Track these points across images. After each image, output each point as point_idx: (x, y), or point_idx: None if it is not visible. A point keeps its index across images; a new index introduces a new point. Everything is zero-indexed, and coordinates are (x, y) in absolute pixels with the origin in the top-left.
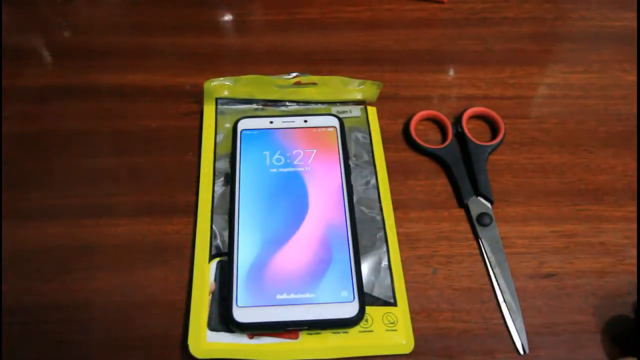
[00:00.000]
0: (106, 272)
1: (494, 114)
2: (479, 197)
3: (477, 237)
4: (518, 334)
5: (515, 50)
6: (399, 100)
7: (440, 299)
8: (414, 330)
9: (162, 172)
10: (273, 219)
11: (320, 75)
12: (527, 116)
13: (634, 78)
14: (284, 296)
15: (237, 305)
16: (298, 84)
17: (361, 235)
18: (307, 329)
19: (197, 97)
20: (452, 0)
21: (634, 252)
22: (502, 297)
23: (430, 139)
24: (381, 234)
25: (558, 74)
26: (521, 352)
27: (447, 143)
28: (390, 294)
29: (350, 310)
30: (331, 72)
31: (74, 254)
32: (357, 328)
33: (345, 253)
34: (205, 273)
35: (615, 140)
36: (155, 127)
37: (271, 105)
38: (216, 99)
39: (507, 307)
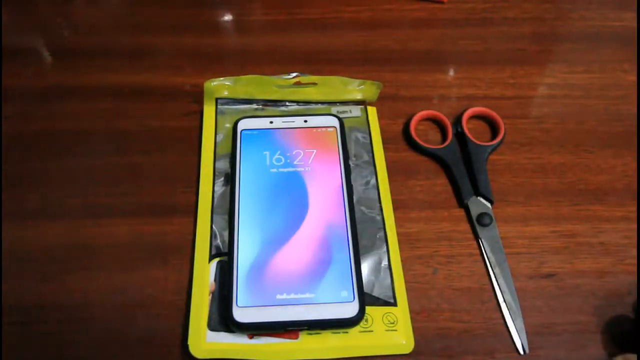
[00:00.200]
0: (106, 272)
1: (494, 114)
2: (479, 197)
3: (477, 237)
4: (518, 334)
5: (515, 50)
6: (399, 100)
7: (440, 299)
8: (414, 330)
9: (162, 172)
10: (273, 219)
11: (320, 75)
12: (527, 116)
13: (634, 78)
14: (284, 296)
15: (237, 305)
16: (298, 84)
17: (361, 235)
18: (307, 329)
19: (197, 97)
20: (452, 0)
21: (634, 252)
22: (502, 297)
23: (430, 139)
24: (381, 234)
25: (558, 74)
26: (521, 352)
27: (447, 143)
28: (390, 294)
29: (350, 310)
30: (331, 72)
31: (74, 254)
32: (357, 328)
33: (345, 253)
34: (205, 273)
35: (615, 140)
36: (155, 127)
37: (271, 105)
38: (216, 99)
39: (507, 307)
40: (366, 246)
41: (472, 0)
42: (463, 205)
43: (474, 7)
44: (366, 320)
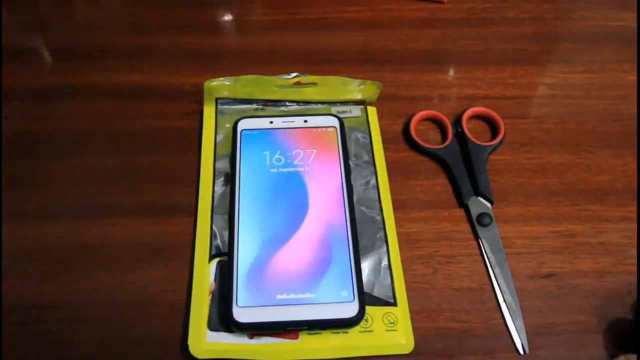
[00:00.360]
0: (106, 272)
1: (494, 114)
2: (479, 197)
3: (477, 237)
4: (518, 334)
5: (515, 50)
6: (399, 100)
7: (440, 299)
8: (414, 330)
9: (162, 172)
10: (273, 219)
11: (320, 75)
12: (527, 116)
13: (634, 78)
14: (284, 296)
15: (237, 305)
16: (298, 84)
17: (361, 235)
18: (307, 329)
19: (197, 97)
20: (452, 0)
21: (634, 252)
22: (502, 297)
23: (430, 139)
24: (381, 234)
25: (558, 74)
26: (521, 352)
27: (447, 143)
28: (390, 294)
29: (350, 310)
30: (331, 72)
31: (74, 254)
32: (357, 328)
33: (345, 253)
34: (205, 273)
35: (615, 140)
36: (155, 127)
37: (271, 105)
38: (216, 99)
39: (507, 307)
40: (366, 246)
41: (472, 0)
42: (463, 205)
43: (474, 7)
44: (366, 320)
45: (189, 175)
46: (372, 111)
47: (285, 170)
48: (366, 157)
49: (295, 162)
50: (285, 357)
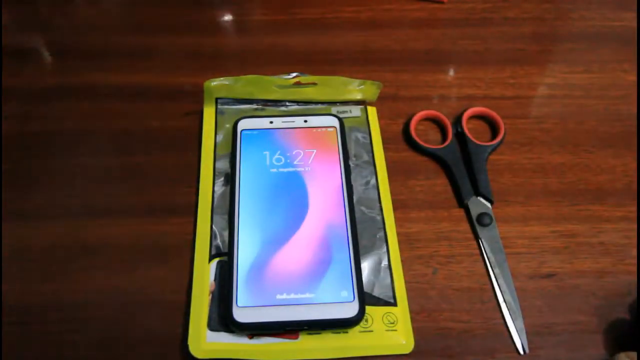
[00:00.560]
0: (106, 272)
1: (494, 114)
2: (479, 197)
3: (477, 237)
4: (518, 334)
5: (515, 50)
6: (399, 100)
7: (440, 299)
8: (414, 330)
9: (162, 172)
10: (273, 219)
11: (320, 75)
12: (527, 116)
13: (634, 78)
14: (284, 296)
15: (237, 305)
16: (298, 84)
17: (361, 235)
18: (307, 329)
19: (197, 97)
20: (452, 0)
21: (634, 252)
22: (502, 297)
23: (430, 139)
24: (381, 234)
25: (558, 74)
26: (521, 352)
27: (447, 143)
28: (390, 294)
29: (350, 310)
30: (331, 72)
31: (74, 254)
32: (357, 328)
33: (345, 253)
34: (205, 273)
35: (615, 140)
36: (155, 127)
37: (271, 105)
38: (216, 99)
39: (507, 307)
40: (366, 246)
41: (472, 0)
42: (463, 205)
43: (474, 7)
44: (366, 320)
45: (189, 175)
46: (372, 111)
47: (285, 170)
48: (366, 157)
49: (295, 162)
50: (285, 357)
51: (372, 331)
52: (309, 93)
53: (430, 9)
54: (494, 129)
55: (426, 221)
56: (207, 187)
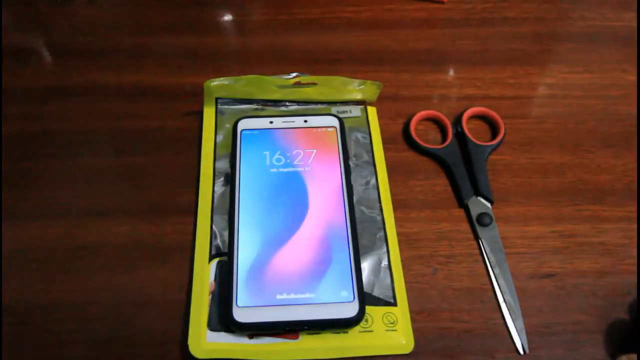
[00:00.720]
0: (106, 272)
1: (494, 114)
2: (479, 197)
3: (477, 237)
4: (518, 334)
5: (515, 50)
6: (399, 100)
7: (440, 299)
8: (414, 330)
9: (162, 172)
10: (273, 219)
11: (320, 75)
12: (527, 116)
13: (634, 78)
14: (284, 296)
15: (237, 305)
16: (298, 84)
17: (361, 235)
18: (307, 329)
19: (197, 97)
20: (452, 0)
21: (634, 252)
22: (502, 297)
23: (430, 139)
24: (381, 234)
25: (558, 74)
26: (521, 352)
27: (447, 143)
28: (390, 294)
29: (350, 310)
30: (331, 72)
31: (74, 254)
32: (357, 328)
33: (345, 253)
34: (205, 273)
35: (615, 140)
36: (155, 127)
37: (271, 105)
38: (216, 99)
39: (507, 307)
40: (366, 246)
41: (472, 0)
42: (463, 205)
43: (474, 7)
44: (366, 320)
45: (189, 175)
46: (372, 111)
47: (285, 170)
48: (366, 157)
49: (295, 162)
50: (285, 357)
51: (372, 331)
52: (309, 93)
53: (430, 9)
54: (494, 129)
55: (426, 221)
56: (207, 187)
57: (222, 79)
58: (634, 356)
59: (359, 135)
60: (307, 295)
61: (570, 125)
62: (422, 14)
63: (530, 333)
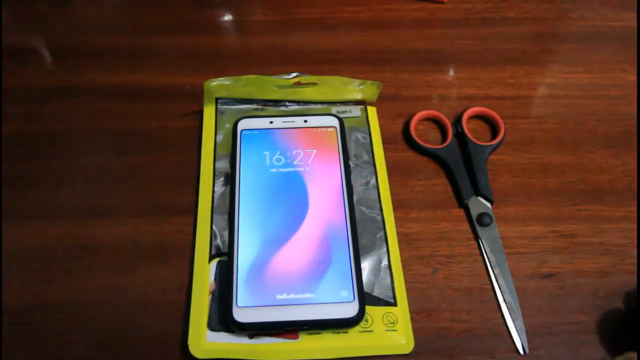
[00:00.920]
0: (106, 272)
1: (494, 114)
2: (479, 197)
3: (477, 237)
4: (518, 334)
5: (515, 50)
6: (399, 100)
7: (440, 299)
8: (414, 330)
9: (162, 172)
10: (273, 219)
11: (320, 75)
12: (527, 116)
13: (634, 78)
14: (284, 296)
15: (237, 305)
16: (298, 84)
17: (361, 235)
18: (307, 329)
19: (197, 97)
20: (452, 0)
21: (634, 252)
22: (502, 297)
23: (430, 139)
24: (381, 234)
25: (558, 74)
26: (521, 352)
27: (447, 143)
28: (390, 294)
29: (350, 310)
30: (331, 72)
31: (74, 254)
32: (357, 328)
33: (345, 253)
34: (205, 273)
35: (615, 140)
36: (155, 127)
37: (271, 105)
38: (216, 99)
39: (507, 307)
40: (366, 246)
41: (472, 0)
42: (463, 205)
43: (474, 7)
44: (366, 320)
45: (189, 175)
46: (372, 111)
47: (285, 170)
48: (366, 157)
49: (295, 162)
50: (285, 357)
51: (372, 331)
52: (308, 93)
53: (430, 9)
54: (494, 129)
55: (426, 221)
56: (207, 187)
57: (222, 79)
58: (632, 355)
59: (359, 135)
60: (307, 295)
61: (570, 125)
62: (422, 14)
63: (530, 333)
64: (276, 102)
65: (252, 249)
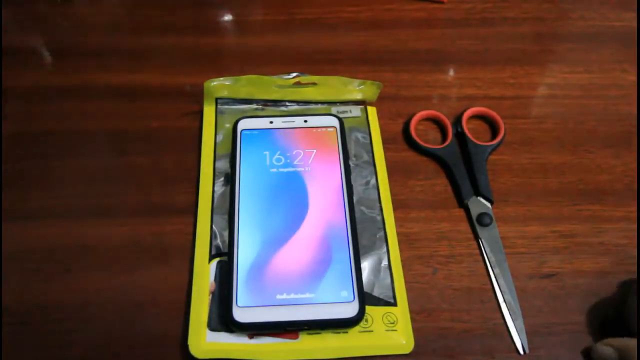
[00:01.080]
0: (106, 272)
1: (494, 114)
2: (479, 197)
3: (477, 237)
4: (518, 334)
5: (515, 50)
6: (399, 100)
7: (440, 299)
8: (414, 330)
9: (162, 172)
10: (273, 219)
11: (320, 75)
12: (527, 116)
13: (634, 78)
14: (284, 296)
15: (237, 305)
16: (298, 84)
17: (361, 235)
18: (307, 329)
19: (197, 97)
20: (452, 0)
21: (634, 252)
22: (502, 297)
23: (430, 139)
24: (381, 234)
25: (558, 74)
26: (521, 352)
27: (447, 143)
28: (390, 294)
29: (350, 310)
30: (331, 72)
31: (74, 254)
32: (357, 328)
33: (345, 253)
34: (205, 273)
35: (615, 140)
36: (155, 127)
37: (271, 105)
38: (216, 99)
39: (507, 307)
40: (366, 246)
41: (472, 0)
42: (463, 205)
43: (474, 7)
44: (366, 320)
45: (189, 175)
46: (372, 111)
47: (285, 170)
48: (366, 157)
49: (295, 162)
50: (285, 357)
51: (372, 331)
52: (308, 93)
53: (430, 9)
54: (493, 129)
55: (426, 221)
56: (207, 187)
57: (222, 79)
58: (612, 340)
59: (359, 135)
60: (307, 295)
61: (570, 125)
62: (422, 14)
63: (530, 333)
64: (276, 102)
65: (252, 249)
